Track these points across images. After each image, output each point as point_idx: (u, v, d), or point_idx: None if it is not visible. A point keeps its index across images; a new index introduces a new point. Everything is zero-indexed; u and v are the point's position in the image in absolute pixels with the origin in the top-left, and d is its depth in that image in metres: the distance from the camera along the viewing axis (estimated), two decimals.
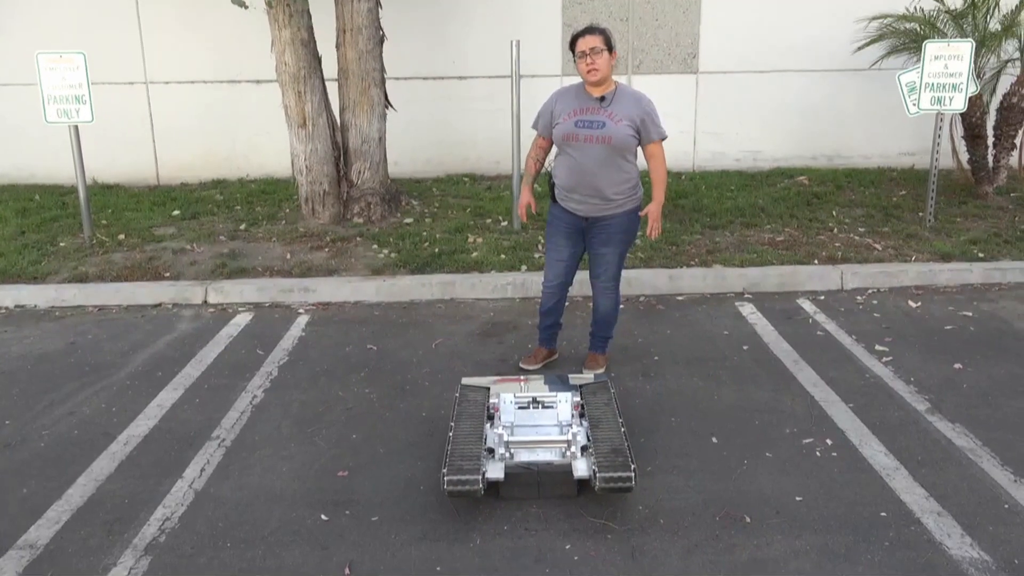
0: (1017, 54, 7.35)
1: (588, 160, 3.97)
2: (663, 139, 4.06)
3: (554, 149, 4.21)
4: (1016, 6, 7.11)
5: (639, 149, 4.06)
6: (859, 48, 8.02)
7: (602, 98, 3.96)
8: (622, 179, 4.02)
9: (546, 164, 4.34)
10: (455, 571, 2.87)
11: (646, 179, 4.05)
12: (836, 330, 5.02)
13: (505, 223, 6.97)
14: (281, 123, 7.13)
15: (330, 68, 7.07)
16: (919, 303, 5.46)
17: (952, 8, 7.24)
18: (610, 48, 3.90)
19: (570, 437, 3.39)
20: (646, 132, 3.99)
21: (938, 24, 7.33)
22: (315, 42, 6.84)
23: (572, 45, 3.95)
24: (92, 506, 3.29)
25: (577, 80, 4.10)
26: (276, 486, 3.41)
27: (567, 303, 4.58)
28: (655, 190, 4.14)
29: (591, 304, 4.46)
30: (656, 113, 4.04)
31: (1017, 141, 7.51)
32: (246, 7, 6.27)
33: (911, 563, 2.85)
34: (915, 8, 7.47)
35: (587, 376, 4.04)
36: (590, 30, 3.91)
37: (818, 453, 3.59)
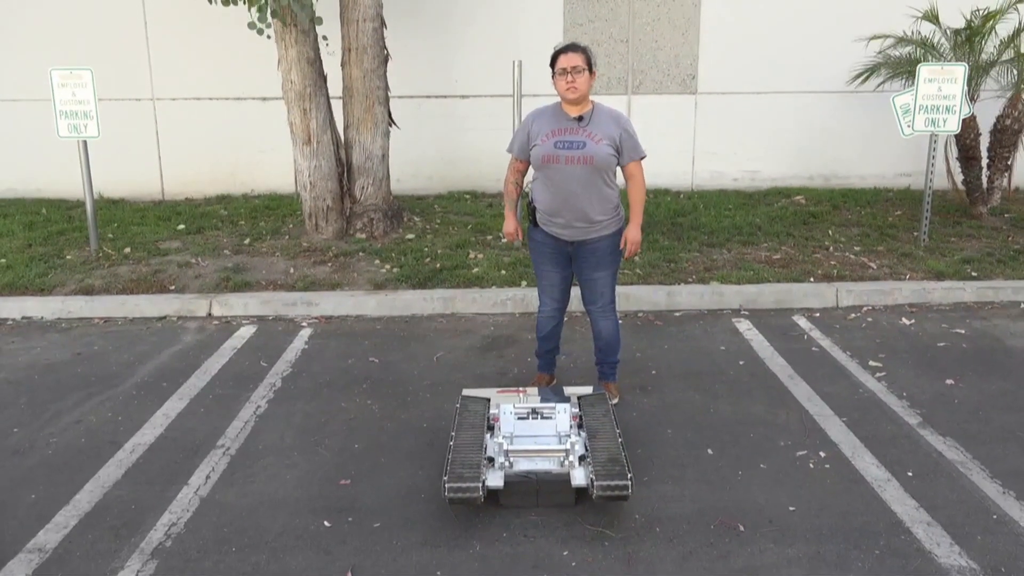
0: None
1: (570, 182, 3.87)
2: (643, 158, 3.97)
3: (531, 171, 4.11)
4: (1012, 32, 7.24)
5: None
6: (856, 77, 8.07)
7: (580, 117, 3.87)
8: (605, 199, 3.93)
9: (524, 185, 4.27)
10: None
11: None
12: (831, 346, 5.10)
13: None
14: (286, 139, 7.25)
15: (335, 86, 7.19)
16: (913, 320, 5.54)
17: (950, 28, 7.36)
18: (591, 69, 3.83)
19: (568, 447, 3.46)
20: (626, 151, 3.91)
21: (939, 48, 7.43)
22: (321, 60, 6.97)
23: (553, 61, 3.85)
24: (99, 511, 3.36)
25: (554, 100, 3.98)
26: (280, 493, 3.48)
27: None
28: (633, 212, 4.01)
29: (591, 331, 4.33)
30: (634, 131, 3.95)
31: (1011, 162, 7.62)
32: (264, 34, 6.40)
33: (901, 571, 2.92)
34: (913, 32, 7.59)
35: (586, 389, 4.11)
36: (573, 47, 3.83)
37: (811, 465, 3.66)
